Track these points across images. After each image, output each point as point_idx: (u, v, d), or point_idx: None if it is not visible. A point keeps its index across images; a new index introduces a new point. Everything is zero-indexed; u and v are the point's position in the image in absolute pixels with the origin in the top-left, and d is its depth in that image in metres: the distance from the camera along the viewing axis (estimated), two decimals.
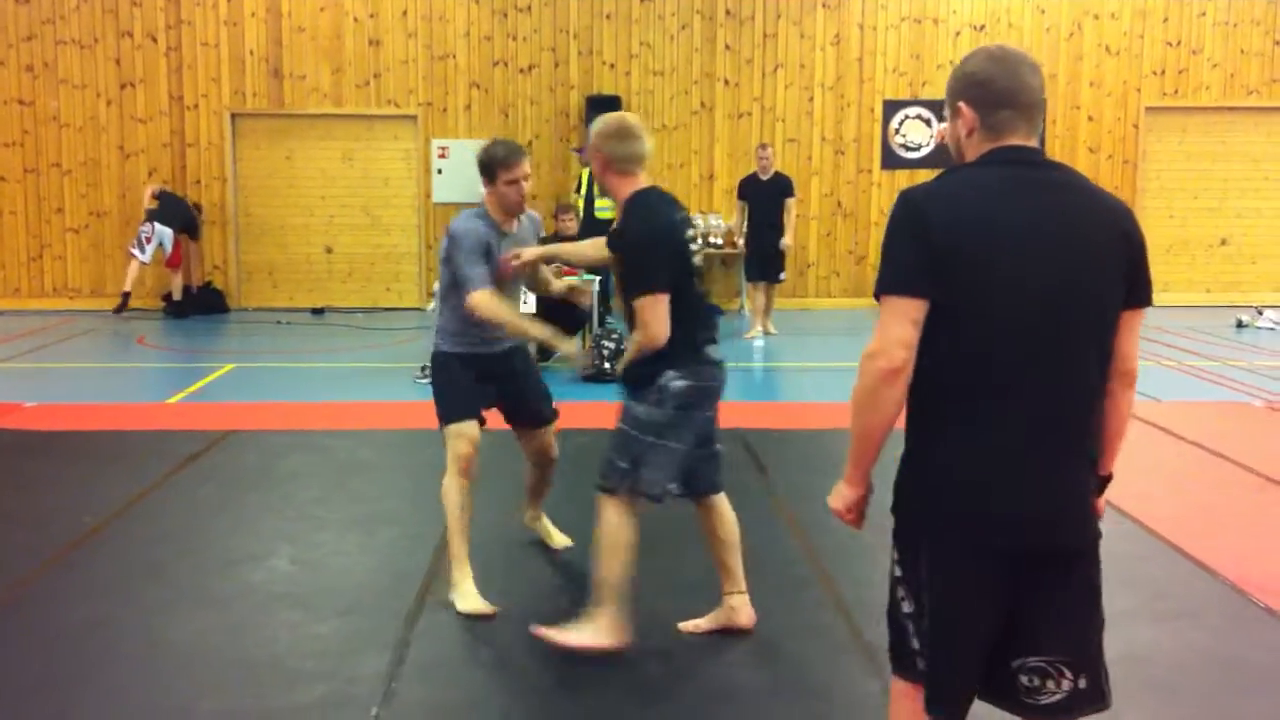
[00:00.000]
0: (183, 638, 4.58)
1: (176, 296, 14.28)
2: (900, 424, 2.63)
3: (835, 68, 14.98)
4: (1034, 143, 2.57)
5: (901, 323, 2.45)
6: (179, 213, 14.27)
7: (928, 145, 14.98)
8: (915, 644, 2.64)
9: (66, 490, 6.50)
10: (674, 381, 4.16)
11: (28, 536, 5.68)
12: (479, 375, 4.94)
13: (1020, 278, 2.44)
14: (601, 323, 10.89)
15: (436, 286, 9.76)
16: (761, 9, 14.87)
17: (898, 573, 2.65)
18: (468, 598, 4.80)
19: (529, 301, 10.23)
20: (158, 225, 13.98)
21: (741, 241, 12.81)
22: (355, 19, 14.65)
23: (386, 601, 4.91)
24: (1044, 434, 2.47)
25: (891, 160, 15.06)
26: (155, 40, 14.60)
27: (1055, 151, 15.03)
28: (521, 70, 14.79)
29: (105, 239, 14.70)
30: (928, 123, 14.99)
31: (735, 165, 14.61)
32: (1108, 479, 2.71)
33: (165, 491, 6.46)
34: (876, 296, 2.52)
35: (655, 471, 4.19)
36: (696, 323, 4.22)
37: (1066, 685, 2.56)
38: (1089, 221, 2.50)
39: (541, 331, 4.75)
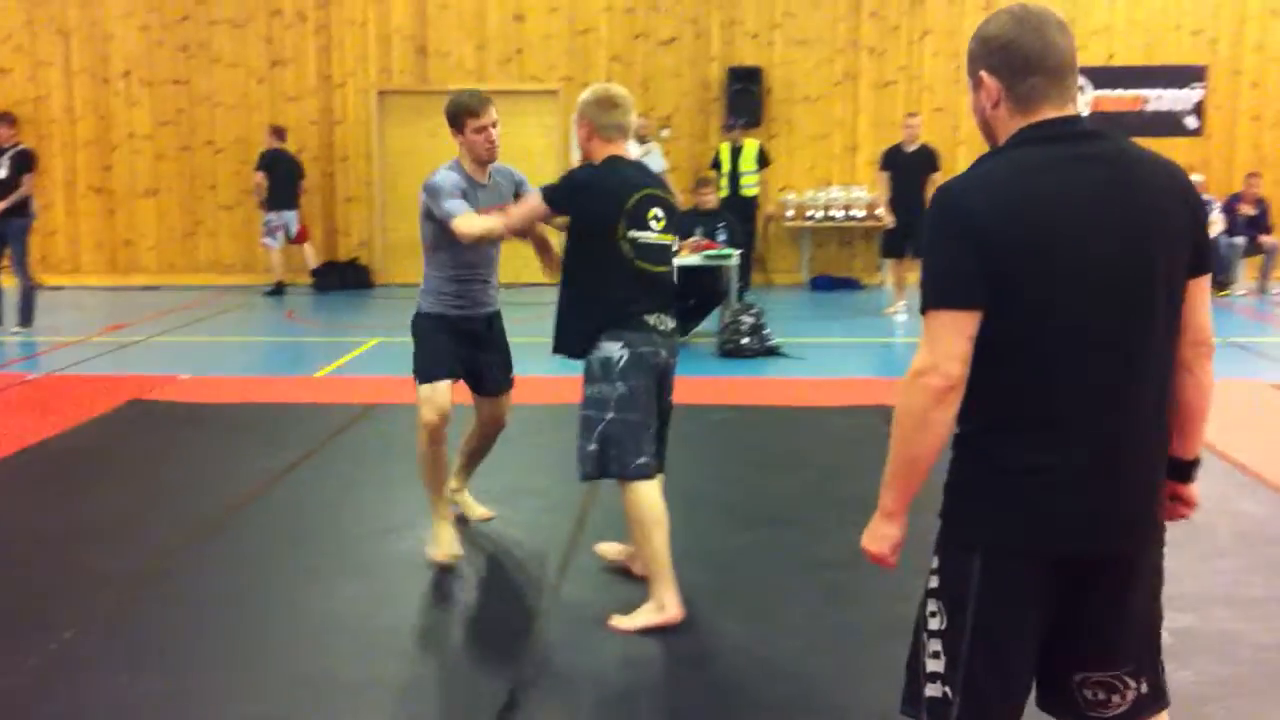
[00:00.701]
0: (326, 607, 4.65)
1: (314, 264, 14.56)
2: None
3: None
4: (1071, 111, 2.33)
5: (955, 337, 2.22)
6: (290, 171, 14.28)
7: (1082, 114, 14.44)
8: (930, 666, 2.38)
9: (218, 461, 6.67)
10: (617, 353, 4.25)
11: (181, 506, 5.84)
12: (458, 338, 5.02)
13: (1082, 265, 2.22)
14: (740, 297, 10.78)
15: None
16: None
17: (932, 584, 2.40)
18: (442, 544, 4.94)
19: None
20: (284, 212, 14.17)
21: (882, 213, 12.55)
22: None
23: (530, 571, 4.92)
24: (1115, 430, 2.27)
25: None
26: (305, 19, 14.89)
27: (1214, 121, 14.44)
28: (662, 43, 14.70)
29: (256, 216, 15.03)
30: (1081, 90, 14.46)
31: (880, 136, 14.31)
32: (1196, 463, 2.51)
33: (312, 463, 6.57)
34: (923, 311, 2.27)
35: (621, 449, 4.26)
36: (631, 293, 4.29)
37: (1131, 695, 2.40)
38: (1149, 192, 2.29)
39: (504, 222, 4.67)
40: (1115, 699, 2.40)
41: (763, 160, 13.16)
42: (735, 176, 12.98)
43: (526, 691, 3.88)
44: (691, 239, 10.47)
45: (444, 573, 4.93)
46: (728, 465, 6.65)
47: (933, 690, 2.37)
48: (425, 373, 4.93)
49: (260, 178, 14.10)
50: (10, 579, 4.92)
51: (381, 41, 14.87)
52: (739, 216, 12.16)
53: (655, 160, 12.88)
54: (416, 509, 5.73)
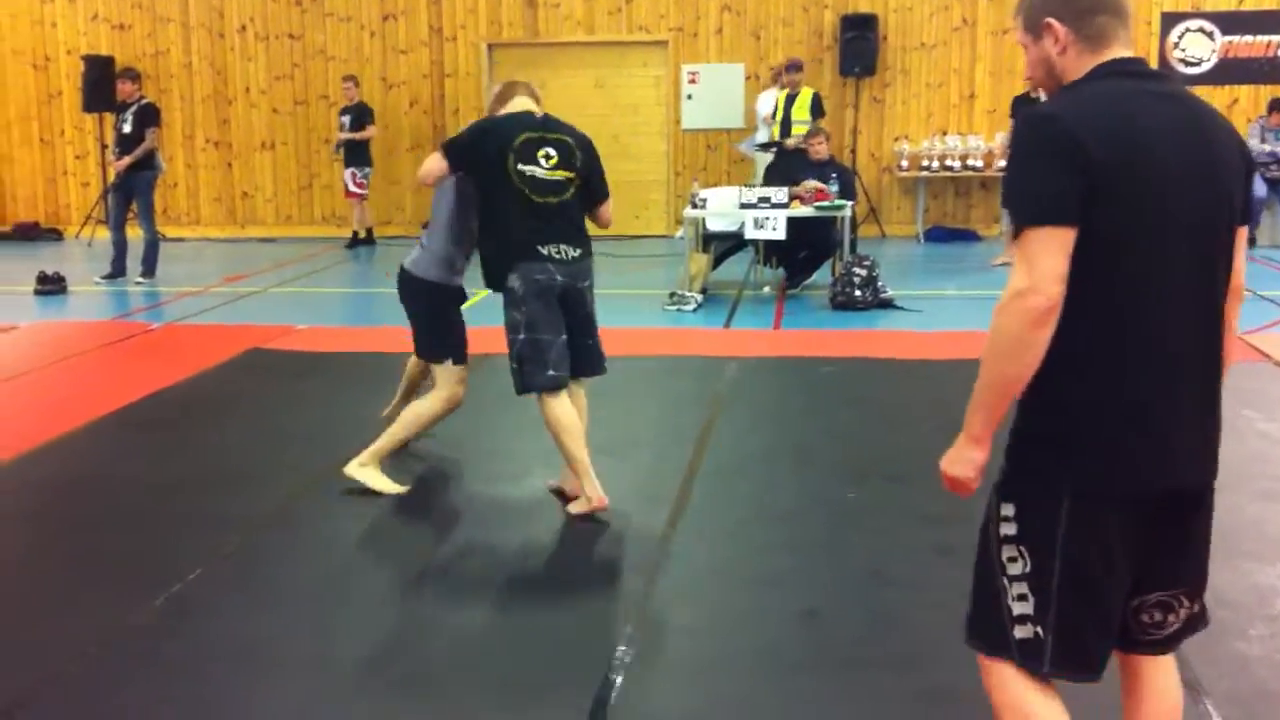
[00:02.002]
0: (442, 552, 4.71)
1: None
2: None
3: None
4: (1134, 53, 2.38)
5: (1055, 254, 2.20)
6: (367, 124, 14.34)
7: (1209, 60, 13.95)
8: (1017, 610, 2.37)
9: (335, 409, 6.77)
10: (516, 283, 4.86)
11: (300, 452, 5.95)
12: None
13: (1168, 198, 2.25)
14: (853, 249, 10.62)
15: (684, 213, 9.72)
16: None
17: (1008, 531, 2.38)
18: (382, 480, 5.25)
19: (779, 228, 10.07)
20: (367, 169, 14.24)
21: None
22: None
23: (640, 523, 4.93)
24: (1192, 368, 2.33)
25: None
26: None
27: None
28: None
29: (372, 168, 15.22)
30: (1210, 35, 13.95)
31: (998, 85, 13.98)
32: None
33: None
34: (1018, 230, 2.25)
35: (531, 364, 4.88)
36: (528, 227, 4.87)
37: (1184, 614, 2.47)
38: (1216, 136, 2.35)
39: None
40: (1170, 618, 2.46)
41: (817, 109, 12.70)
42: (787, 125, 12.57)
43: (637, 642, 3.88)
44: (801, 187, 10.32)
45: (557, 522, 4.95)
46: (839, 418, 6.57)
47: (1022, 632, 2.38)
48: (459, 356, 5.34)
49: (373, 131, 14.22)
50: (138, 522, 5.06)
51: None
52: (790, 165, 11.93)
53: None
54: (528, 458, 5.78)
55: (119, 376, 7.53)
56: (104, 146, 13.95)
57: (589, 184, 5.11)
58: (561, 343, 4.95)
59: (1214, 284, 2.35)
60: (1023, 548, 2.36)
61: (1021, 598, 2.37)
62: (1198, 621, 2.51)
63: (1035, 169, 2.26)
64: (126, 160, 11.43)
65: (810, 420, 6.52)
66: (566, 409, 4.95)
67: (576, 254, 4.98)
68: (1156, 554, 2.38)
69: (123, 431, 6.38)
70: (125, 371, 7.69)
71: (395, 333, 9.00)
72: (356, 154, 14.19)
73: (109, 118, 15.37)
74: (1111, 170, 2.20)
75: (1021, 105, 11.81)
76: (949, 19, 14.29)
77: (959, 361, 7.48)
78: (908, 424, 6.35)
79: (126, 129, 11.55)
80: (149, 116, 11.64)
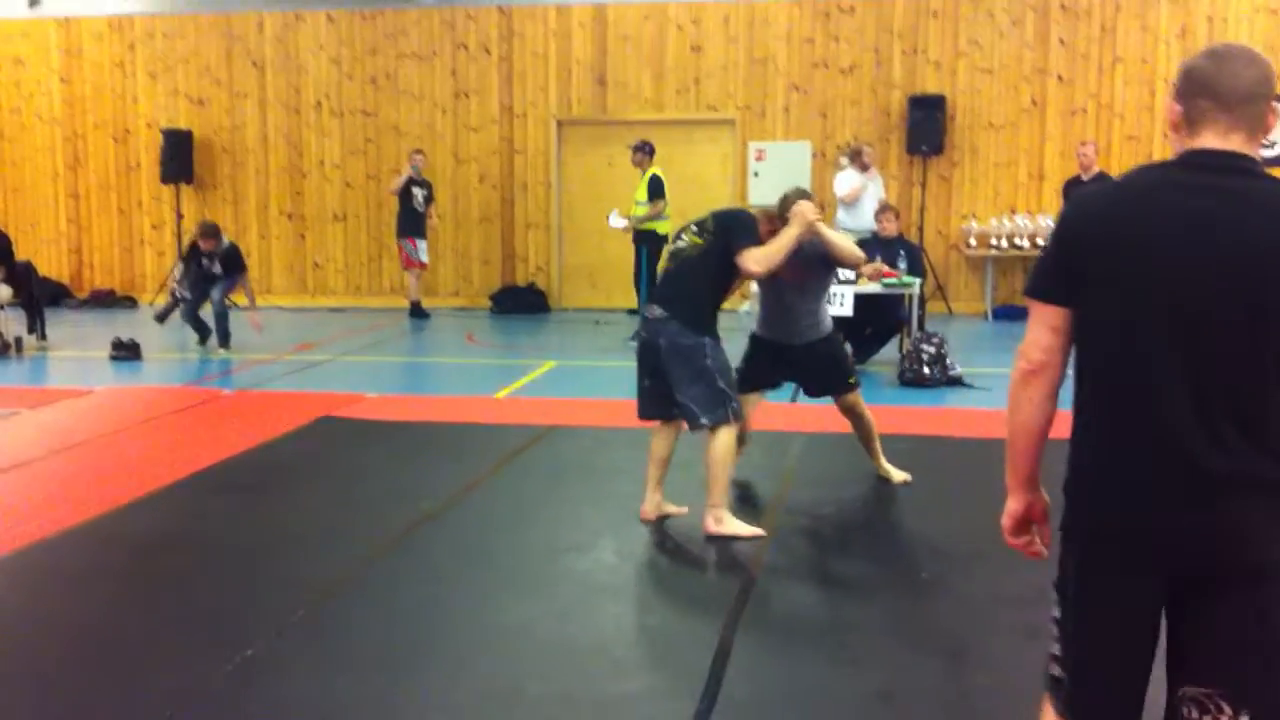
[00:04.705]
0: (512, 621, 4.66)
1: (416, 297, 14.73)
2: None
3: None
4: (1235, 144, 2.37)
5: (1039, 326, 2.47)
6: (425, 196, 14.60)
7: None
8: (1053, 648, 2.55)
9: (403, 477, 6.79)
10: None
11: (369, 519, 5.95)
12: None
13: (1165, 292, 2.31)
14: (921, 326, 10.56)
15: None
16: (1099, 2, 14.11)
17: (1057, 574, 2.56)
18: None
19: (845, 304, 10.05)
20: (418, 240, 14.47)
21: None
22: (678, 26, 14.82)
23: (708, 597, 4.86)
24: (1193, 454, 2.29)
25: None
26: (489, 52, 15.23)
27: None
28: (842, 71, 14.58)
29: (439, 241, 15.40)
30: None
31: (1067, 164, 13.91)
32: None
33: (494, 482, 6.65)
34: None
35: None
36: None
37: None
38: (1259, 232, 2.29)
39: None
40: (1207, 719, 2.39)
41: (655, 189, 12.78)
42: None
43: (712, 714, 3.82)
44: (869, 265, 10.29)
45: (628, 592, 4.91)
46: (910, 495, 6.49)
47: (1054, 670, 2.55)
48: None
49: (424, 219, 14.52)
50: (214, 583, 5.08)
51: (561, 72, 15.10)
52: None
53: (877, 188, 12.81)
54: (593, 529, 5.75)
55: (194, 441, 7.60)
56: (176, 278, 13.51)
57: (726, 242, 5.64)
58: (646, 387, 5.76)
59: (1235, 366, 2.29)
60: (1058, 591, 2.54)
61: (1055, 638, 2.54)
62: None
63: (1046, 249, 2.52)
64: (256, 318, 12.12)
65: (880, 496, 6.45)
66: (657, 439, 5.80)
67: (661, 315, 5.65)
68: (1187, 640, 2.40)
69: (199, 495, 6.44)
70: (200, 436, 7.77)
71: (462, 402, 9.08)
72: (425, 226, 14.53)
73: (186, 190, 15.77)
74: (1099, 261, 2.37)
75: (1073, 187, 11.83)
76: (1018, 100, 14.30)
77: None
78: (982, 502, 6.24)
79: (216, 269, 11.96)
80: (238, 261, 12.15)
